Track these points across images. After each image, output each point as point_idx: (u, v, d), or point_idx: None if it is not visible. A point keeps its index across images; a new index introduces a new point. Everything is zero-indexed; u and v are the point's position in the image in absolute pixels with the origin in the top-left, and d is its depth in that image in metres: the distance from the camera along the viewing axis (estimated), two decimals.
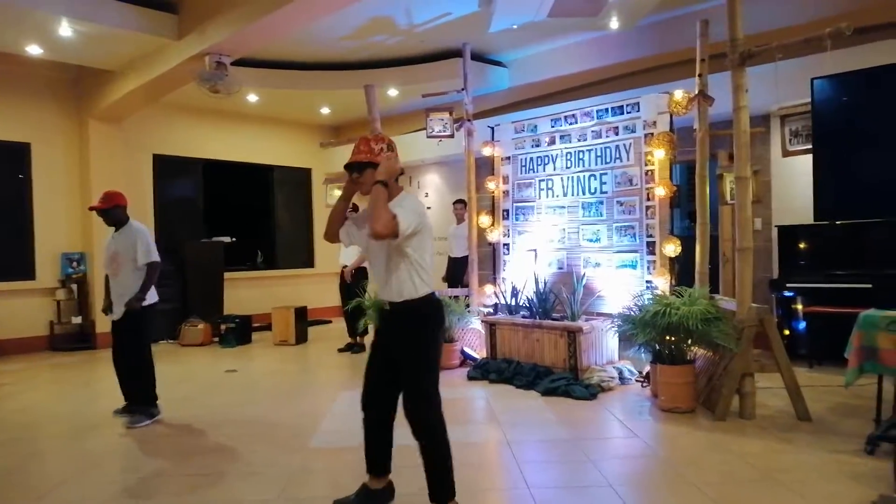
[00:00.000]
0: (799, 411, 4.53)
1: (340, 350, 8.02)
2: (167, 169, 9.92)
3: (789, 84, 6.07)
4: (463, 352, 6.83)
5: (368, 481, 3.18)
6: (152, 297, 4.98)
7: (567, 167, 6.69)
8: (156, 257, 4.92)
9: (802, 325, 6.32)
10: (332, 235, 3.22)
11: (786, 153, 7.12)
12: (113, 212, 4.91)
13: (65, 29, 6.48)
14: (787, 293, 6.39)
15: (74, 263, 8.72)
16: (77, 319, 8.65)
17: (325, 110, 10.55)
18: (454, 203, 9.05)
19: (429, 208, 9.95)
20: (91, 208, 5.04)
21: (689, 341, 4.89)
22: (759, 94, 5.67)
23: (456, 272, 8.88)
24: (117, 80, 7.97)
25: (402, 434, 3.05)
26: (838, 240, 6.42)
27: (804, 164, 6.66)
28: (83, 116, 8.80)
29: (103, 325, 8.33)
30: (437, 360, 3.04)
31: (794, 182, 6.98)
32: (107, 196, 4.93)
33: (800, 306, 6.32)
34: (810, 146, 6.48)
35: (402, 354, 2.98)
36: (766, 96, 6.24)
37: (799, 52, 5.12)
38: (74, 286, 8.67)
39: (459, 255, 8.73)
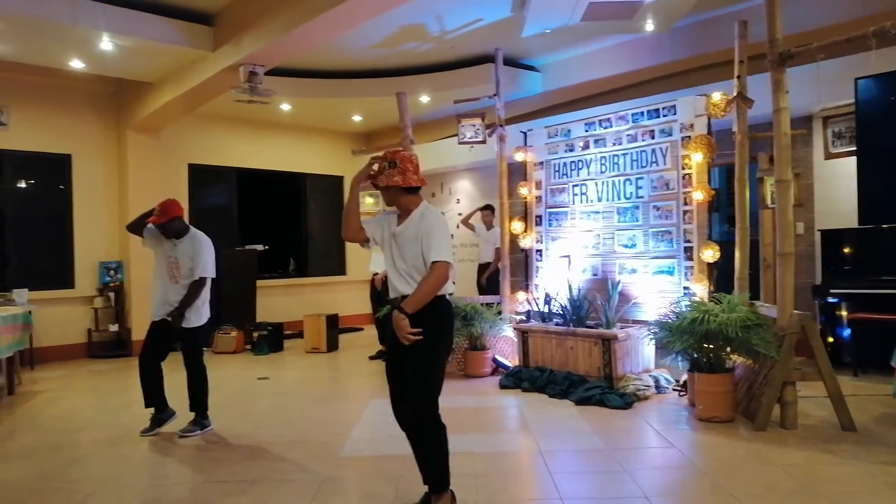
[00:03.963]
0: (843, 421, 4.38)
1: (372, 357, 8.01)
2: (202, 178, 10.08)
3: (832, 84, 5.90)
4: (495, 360, 6.76)
5: (428, 490, 3.13)
6: (204, 315, 4.92)
7: (602, 172, 6.60)
8: (211, 273, 4.85)
9: (847, 332, 6.16)
10: (352, 233, 3.21)
11: (828, 155, 6.93)
12: (170, 225, 4.76)
13: (106, 43, 6.63)
14: (830, 299, 6.21)
15: (112, 272, 8.89)
16: (114, 327, 8.80)
17: (357, 118, 10.61)
18: (482, 209, 8.97)
19: (459, 214, 9.98)
20: (149, 222, 4.80)
21: (729, 349, 4.78)
22: (801, 94, 5.54)
23: (481, 277, 8.92)
24: (155, 91, 8.13)
25: (454, 442, 3.09)
26: (884, 244, 6.22)
27: (848, 167, 6.46)
28: (122, 128, 8.98)
29: (140, 332, 8.44)
30: (444, 359, 3.11)
31: (837, 185, 6.78)
32: (163, 209, 4.76)
33: (844, 313, 6.17)
34: (854, 148, 6.30)
35: (413, 353, 2.98)
36: (808, 97, 6.09)
37: (841, 52, 4.99)
38: (112, 294, 8.82)
39: (484, 260, 8.86)
